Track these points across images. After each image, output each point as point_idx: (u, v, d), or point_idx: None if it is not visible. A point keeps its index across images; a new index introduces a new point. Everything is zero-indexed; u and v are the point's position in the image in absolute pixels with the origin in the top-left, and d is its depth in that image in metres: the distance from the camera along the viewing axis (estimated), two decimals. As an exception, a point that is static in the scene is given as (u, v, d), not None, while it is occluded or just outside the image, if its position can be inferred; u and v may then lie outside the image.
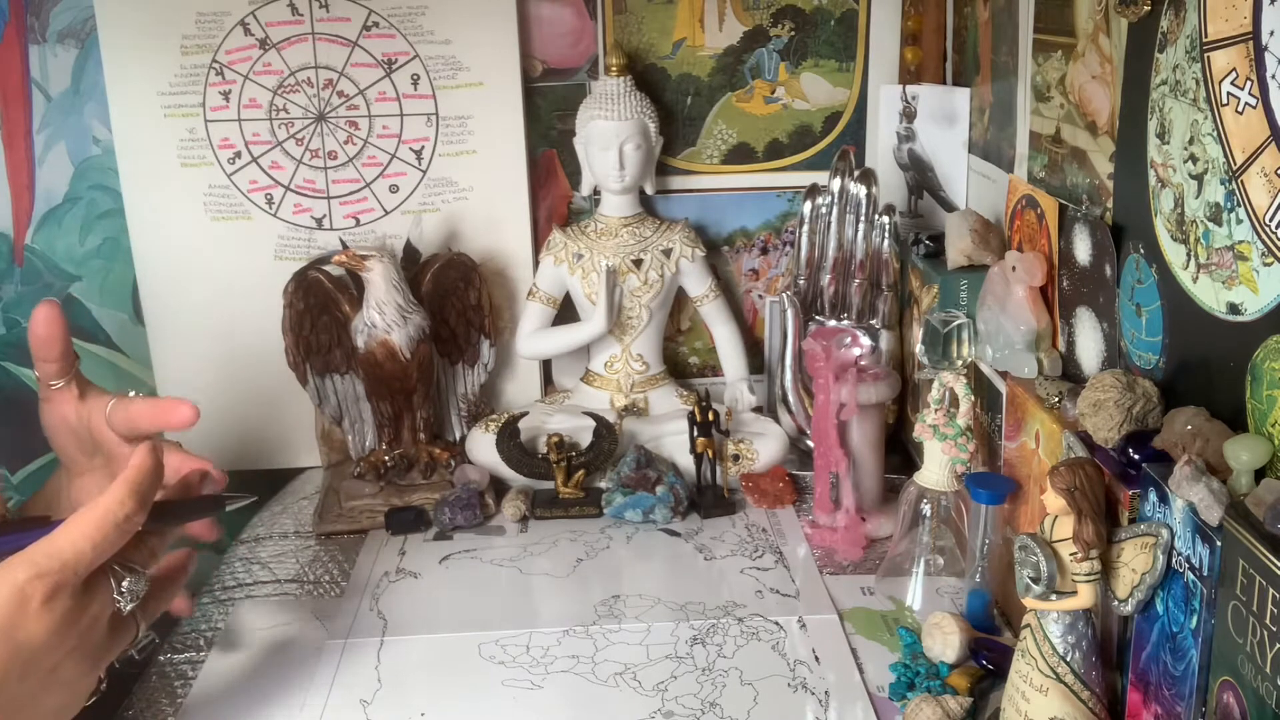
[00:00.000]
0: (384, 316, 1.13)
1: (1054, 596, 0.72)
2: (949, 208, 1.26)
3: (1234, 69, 0.68)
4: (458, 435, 1.27)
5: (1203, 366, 0.75)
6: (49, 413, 0.85)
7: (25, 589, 0.63)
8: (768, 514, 1.15)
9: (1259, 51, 0.66)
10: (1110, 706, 0.74)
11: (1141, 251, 0.82)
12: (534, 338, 1.28)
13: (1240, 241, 0.69)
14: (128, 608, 0.70)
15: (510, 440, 1.18)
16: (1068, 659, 0.72)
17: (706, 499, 1.15)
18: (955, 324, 0.97)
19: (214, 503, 0.82)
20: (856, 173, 1.19)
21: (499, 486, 1.19)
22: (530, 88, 1.28)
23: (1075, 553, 0.71)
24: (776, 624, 0.95)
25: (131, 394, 0.83)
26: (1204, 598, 0.64)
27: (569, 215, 1.34)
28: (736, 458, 1.20)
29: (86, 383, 0.85)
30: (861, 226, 1.18)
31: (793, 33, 1.29)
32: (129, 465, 0.69)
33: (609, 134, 1.21)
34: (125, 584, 0.69)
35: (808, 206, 1.23)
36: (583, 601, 0.99)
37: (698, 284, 1.29)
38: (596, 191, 1.28)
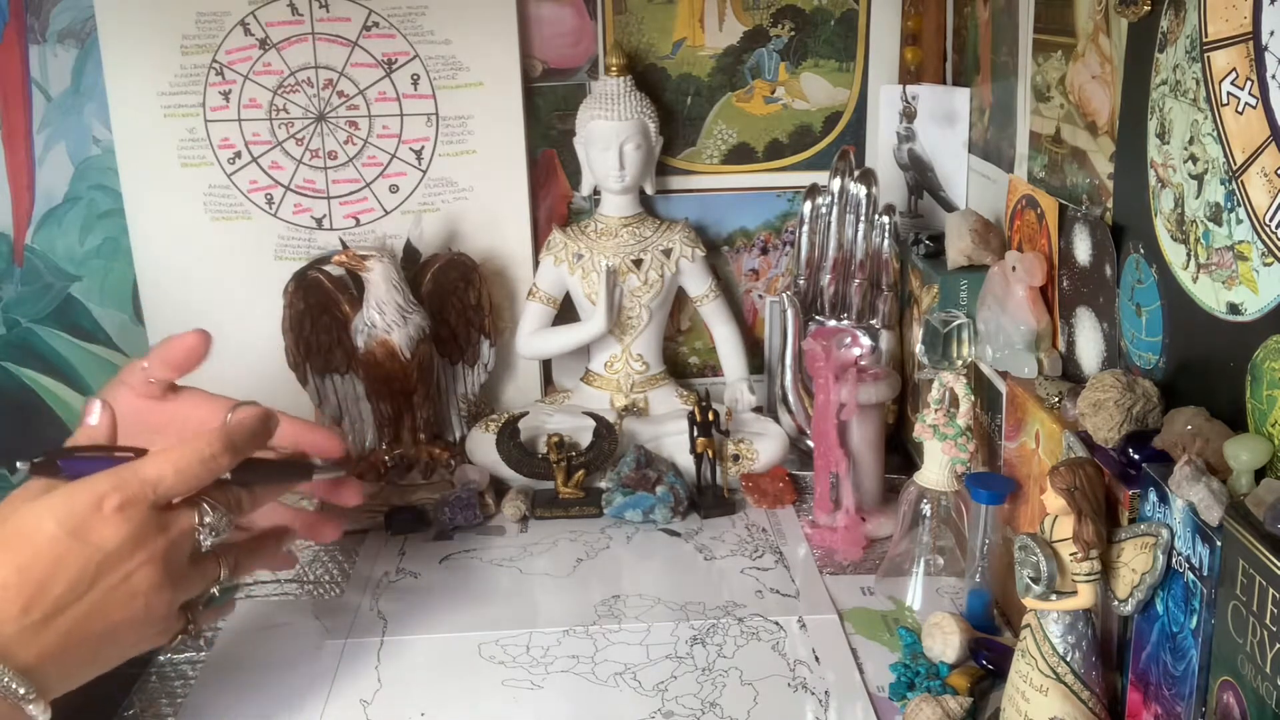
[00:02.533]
0: (384, 316, 1.13)
1: (1054, 596, 0.72)
2: (949, 208, 1.26)
3: (1234, 69, 0.68)
4: (458, 435, 1.27)
5: (1203, 366, 0.75)
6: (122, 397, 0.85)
7: (103, 496, 0.66)
8: (768, 514, 1.15)
9: (1259, 51, 0.66)
10: (1110, 706, 0.74)
11: (1141, 251, 0.82)
12: (534, 338, 1.28)
13: (1240, 241, 0.69)
14: (207, 541, 0.72)
15: (510, 440, 1.18)
16: (1068, 659, 0.72)
17: (706, 499, 1.15)
18: (955, 324, 0.97)
19: (302, 469, 0.84)
20: (856, 173, 1.19)
21: (499, 486, 1.19)
22: (530, 88, 1.28)
23: (1075, 553, 0.71)
24: (776, 624, 0.95)
25: (251, 401, 0.84)
26: (1204, 598, 0.64)
27: (569, 215, 1.34)
28: (736, 458, 1.20)
29: (179, 386, 0.88)
30: (861, 226, 1.18)
31: (793, 33, 1.29)
32: (232, 418, 0.76)
33: (609, 134, 1.21)
34: (209, 519, 0.72)
35: (808, 206, 1.23)
36: (583, 601, 0.99)
37: (698, 284, 1.29)
38: (596, 191, 1.28)
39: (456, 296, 1.23)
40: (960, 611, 0.93)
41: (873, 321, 1.20)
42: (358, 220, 1.28)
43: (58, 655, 0.65)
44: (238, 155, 1.25)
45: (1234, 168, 0.69)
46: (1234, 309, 0.70)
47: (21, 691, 0.62)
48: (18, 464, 0.70)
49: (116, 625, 0.68)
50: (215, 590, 0.77)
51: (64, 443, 0.74)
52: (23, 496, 0.69)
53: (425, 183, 1.27)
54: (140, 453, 0.72)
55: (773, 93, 1.31)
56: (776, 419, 1.26)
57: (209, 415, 0.82)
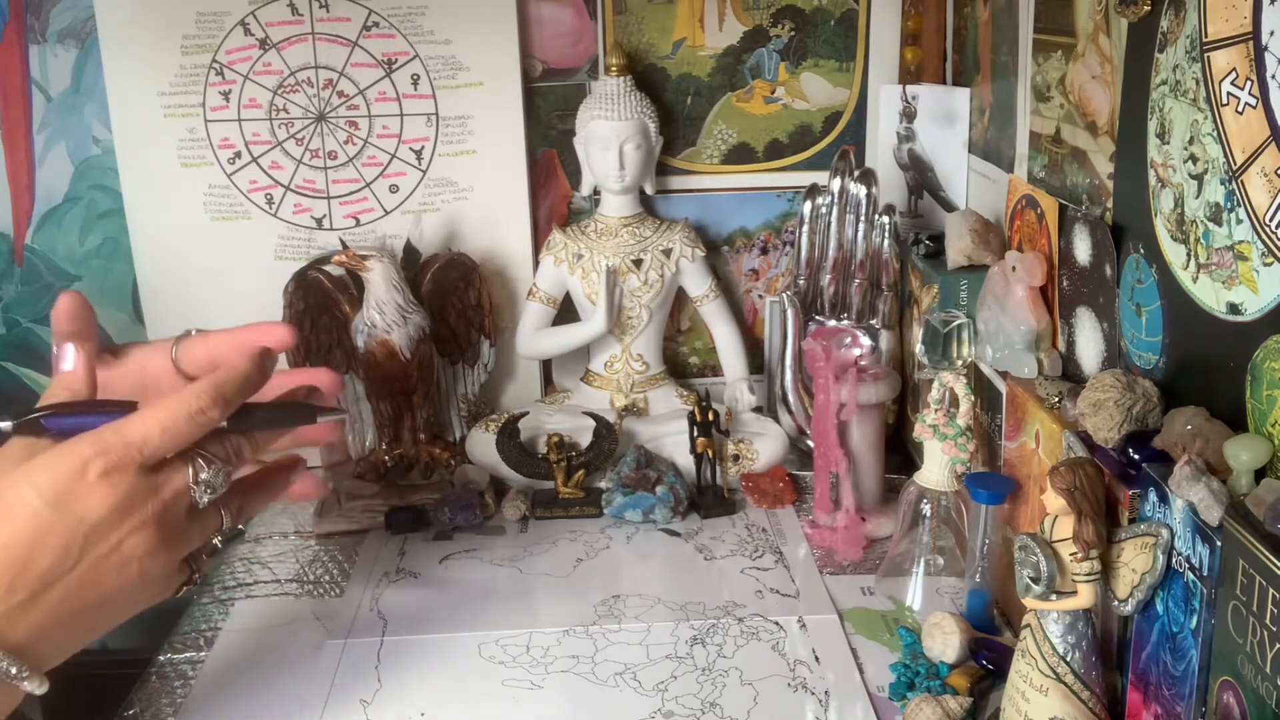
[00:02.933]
0: (384, 316, 1.13)
1: (1054, 596, 0.72)
2: (949, 208, 1.26)
3: (1234, 69, 0.68)
4: (458, 435, 1.27)
5: (1203, 366, 0.75)
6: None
7: (86, 462, 0.63)
8: (768, 514, 1.15)
9: (1259, 51, 0.66)
10: (1110, 706, 0.74)
11: (1141, 251, 0.82)
12: (534, 338, 1.28)
13: (1240, 241, 0.69)
14: (204, 499, 0.68)
15: (510, 440, 1.18)
16: (1068, 659, 0.72)
17: (706, 499, 1.15)
18: (955, 324, 0.97)
19: (304, 411, 0.76)
20: (856, 173, 1.19)
21: (499, 486, 1.19)
22: (530, 88, 1.28)
23: (1075, 553, 0.71)
24: (776, 624, 0.95)
25: (193, 331, 0.78)
26: (1204, 598, 0.64)
27: (569, 215, 1.34)
28: (736, 458, 1.20)
29: (117, 346, 0.80)
30: (861, 226, 1.18)
31: (793, 33, 1.29)
32: (223, 366, 0.69)
33: (609, 134, 1.21)
34: (204, 475, 0.68)
35: (808, 206, 1.23)
36: (583, 601, 0.99)
37: (698, 284, 1.29)
38: (596, 191, 1.28)
39: (456, 296, 1.23)
40: (960, 611, 0.93)
41: (873, 321, 1.20)
42: (358, 220, 1.28)
43: (50, 629, 0.63)
44: (238, 155, 1.25)
45: (1234, 168, 0.69)
46: (1234, 309, 0.70)
47: (14, 671, 0.60)
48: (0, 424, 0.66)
49: (111, 593, 0.65)
50: (218, 541, 0.73)
51: (39, 400, 0.70)
52: (2, 462, 0.65)
53: (425, 183, 1.27)
54: (131, 406, 0.67)
55: (773, 93, 1.31)
56: (776, 419, 1.26)
57: (159, 359, 0.76)
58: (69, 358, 0.71)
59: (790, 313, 1.21)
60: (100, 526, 0.63)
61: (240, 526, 0.74)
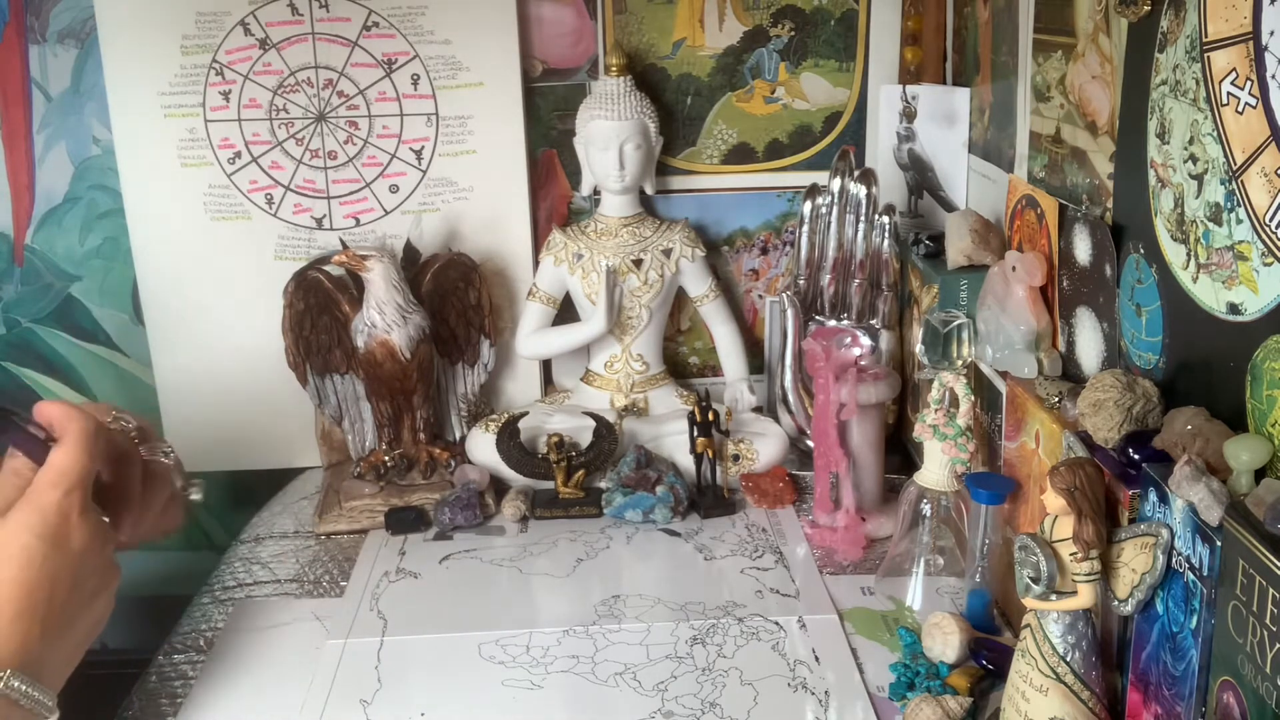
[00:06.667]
0: (384, 316, 1.13)
1: (1054, 596, 0.72)
2: (949, 208, 1.26)
3: (1234, 69, 0.68)
4: (458, 435, 1.27)
5: (1203, 366, 0.75)
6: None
7: (63, 504, 0.68)
8: (768, 514, 1.15)
9: (1259, 51, 0.66)
10: (1110, 706, 0.74)
11: (1141, 251, 0.82)
12: (534, 338, 1.28)
13: (1240, 241, 0.69)
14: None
15: (510, 440, 1.18)
16: (1068, 659, 0.72)
17: (706, 499, 1.15)
18: (955, 324, 0.97)
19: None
20: (856, 173, 1.19)
21: (499, 486, 1.19)
22: (530, 88, 1.28)
23: (1075, 553, 0.71)
24: (776, 624, 0.95)
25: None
26: (1204, 598, 0.64)
27: (569, 215, 1.34)
28: (736, 458, 1.20)
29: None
30: (861, 226, 1.18)
31: (793, 33, 1.29)
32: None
33: (609, 134, 1.21)
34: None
35: (808, 206, 1.23)
36: (583, 601, 0.99)
37: (698, 284, 1.29)
38: (596, 191, 1.28)
39: (456, 296, 1.23)
40: (960, 611, 0.93)
41: (873, 321, 1.20)
42: (358, 220, 1.28)
43: (65, 660, 0.68)
44: (238, 155, 1.25)
45: (1234, 168, 0.69)
46: (1234, 309, 0.70)
47: (50, 704, 0.65)
48: None
49: (99, 612, 0.71)
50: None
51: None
52: None
53: (425, 183, 1.27)
54: (49, 434, 0.70)
55: (773, 93, 1.31)
56: (776, 419, 1.26)
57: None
58: None
59: (790, 313, 1.21)
60: (89, 556, 0.69)
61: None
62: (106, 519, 0.73)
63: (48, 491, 0.68)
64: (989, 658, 0.86)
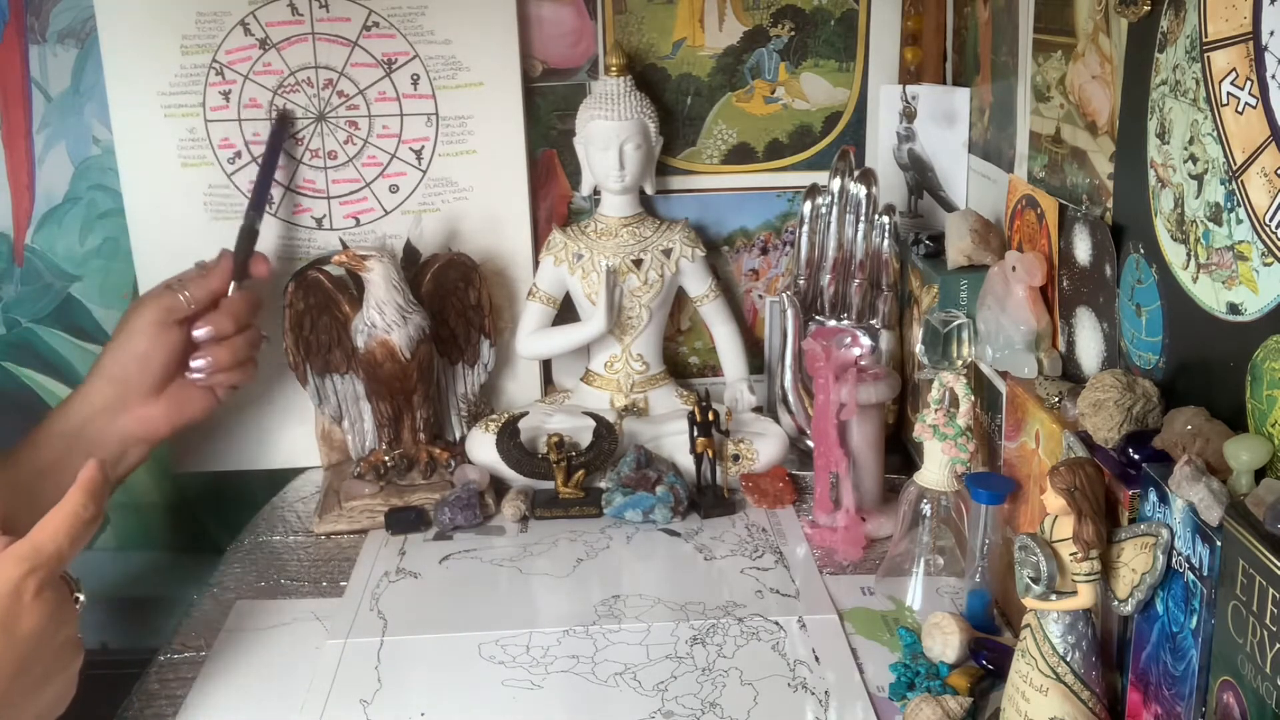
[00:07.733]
0: (384, 316, 1.13)
1: (1054, 596, 0.72)
2: (949, 208, 1.26)
3: (1234, 69, 0.68)
4: (458, 435, 1.27)
5: (1203, 366, 0.75)
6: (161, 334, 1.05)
7: (19, 584, 0.66)
8: (768, 514, 1.15)
9: (1259, 51, 0.66)
10: (1110, 706, 0.74)
11: (1141, 251, 0.82)
12: (534, 338, 1.27)
13: (1240, 241, 0.69)
14: (79, 609, 0.73)
15: (510, 440, 1.18)
16: (1068, 659, 0.72)
17: (706, 499, 1.15)
18: (955, 324, 0.97)
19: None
20: (856, 173, 1.19)
21: (499, 486, 1.19)
22: (530, 88, 1.28)
23: (1075, 553, 0.71)
24: (776, 624, 0.95)
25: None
26: (1204, 598, 0.64)
27: (569, 215, 1.34)
28: (736, 458, 1.20)
29: None
30: (861, 226, 1.18)
31: (793, 33, 1.29)
32: (81, 476, 0.73)
33: (609, 134, 1.21)
34: (77, 593, 0.73)
35: (808, 206, 1.23)
36: (583, 601, 0.99)
37: (698, 284, 1.29)
38: (596, 191, 1.28)
39: (456, 296, 1.23)
40: (960, 611, 0.93)
41: (873, 321, 1.20)
42: (358, 220, 1.28)
43: None
44: (238, 155, 1.25)
45: (1234, 168, 0.69)
46: (1234, 309, 0.70)
47: None
48: None
49: (54, 697, 0.70)
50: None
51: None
52: None
53: (425, 183, 1.27)
54: None
55: (773, 93, 1.31)
56: (776, 419, 1.26)
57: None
58: None
59: (790, 313, 1.21)
60: (42, 638, 0.67)
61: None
62: (77, 594, 0.72)
63: (9, 565, 0.66)
64: (989, 658, 0.86)
